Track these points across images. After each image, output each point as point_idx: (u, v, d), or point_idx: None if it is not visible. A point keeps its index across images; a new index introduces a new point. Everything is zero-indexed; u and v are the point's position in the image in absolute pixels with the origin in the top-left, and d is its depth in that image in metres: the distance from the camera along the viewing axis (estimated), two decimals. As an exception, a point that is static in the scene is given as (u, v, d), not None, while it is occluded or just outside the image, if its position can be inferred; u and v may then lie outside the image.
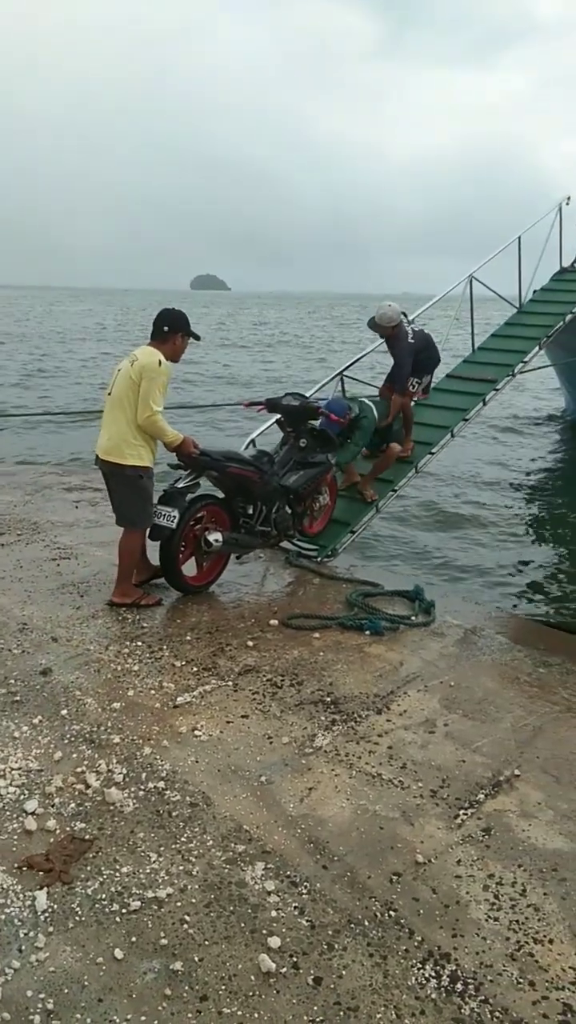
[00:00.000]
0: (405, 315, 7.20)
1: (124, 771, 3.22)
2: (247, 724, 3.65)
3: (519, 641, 5.00)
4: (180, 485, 5.06)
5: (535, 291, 10.89)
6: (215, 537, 5.18)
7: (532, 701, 4.12)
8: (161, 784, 3.15)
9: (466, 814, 3.12)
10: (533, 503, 11.17)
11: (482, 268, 9.58)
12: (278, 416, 6.20)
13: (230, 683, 4.04)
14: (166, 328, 4.85)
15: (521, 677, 4.41)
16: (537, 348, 9.16)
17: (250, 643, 4.53)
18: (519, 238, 10.28)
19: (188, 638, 4.56)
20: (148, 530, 4.97)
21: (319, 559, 6.36)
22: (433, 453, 7.56)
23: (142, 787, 3.13)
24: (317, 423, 6.23)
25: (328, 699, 3.94)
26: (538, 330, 9.50)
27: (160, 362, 4.72)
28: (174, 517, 4.89)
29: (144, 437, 4.77)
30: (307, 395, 6.55)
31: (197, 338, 5.06)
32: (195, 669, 4.17)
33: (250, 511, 5.54)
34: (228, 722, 3.66)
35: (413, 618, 5.16)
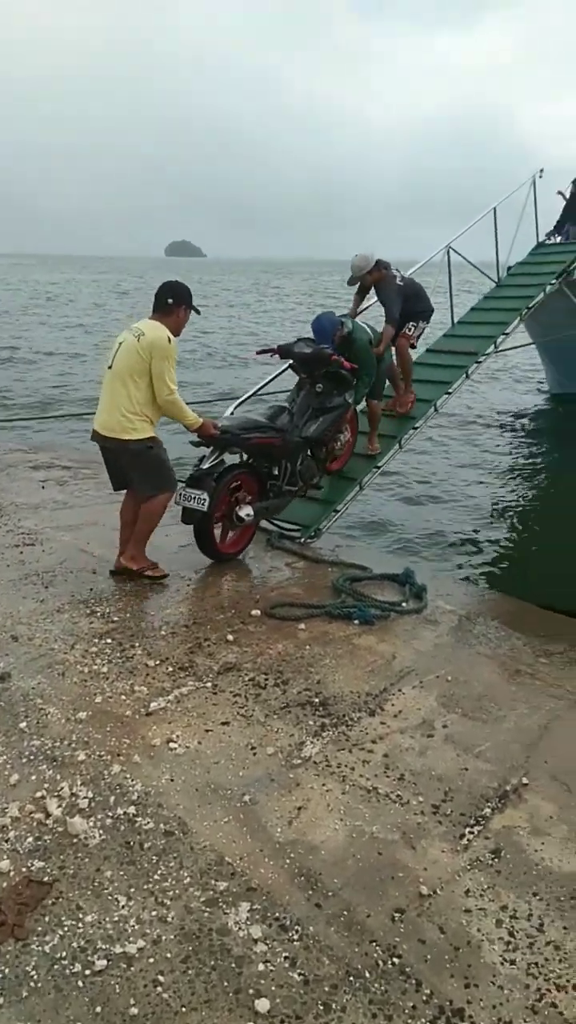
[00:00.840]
0: (391, 267, 6.82)
1: (90, 795, 2.86)
2: (228, 732, 3.31)
3: (517, 628, 4.69)
4: (205, 466, 5.02)
5: (510, 266, 10.68)
6: (246, 512, 5.22)
7: (535, 696, 3.82)
8: (132, 809, 2.80)
9: (472, 833, 2.81)
10: (520, 479, 10.90)
11: (461, 238, 9.26)
12: (290, 362, 6.08)
13: (209, 684, 3.68)
14: (170, 300, 4.74)
15: (522, 669, 4.10)
16: (517, 320, 8.92)
17: (230, 637, 4.17)
18: (494, 209, 10.05)
19: (163, 633, 4.20)
20: (174, 494, 4.90)
21: (302, 540, 6.02)
22: (417, 428, 7.28)
23: (110, 814, 2.78)
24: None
25: (316, 700, 3.60)
26: (518, 301, 9.30)
27: (169, 339, 4.60)
28: (204, 500, 4.90)
29: (147, 411, 4.63)
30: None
31: (197, 311, 4.96)
32: (170, 669, 3.81)
33: (275, 472, 5.56)
34: (207, 731, 3.31)
35: (404, 604, 4.84)
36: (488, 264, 10.14)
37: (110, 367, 4.63)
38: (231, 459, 5.29)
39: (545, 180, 10.95)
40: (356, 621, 4.51)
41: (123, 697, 3.53)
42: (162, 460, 4.79)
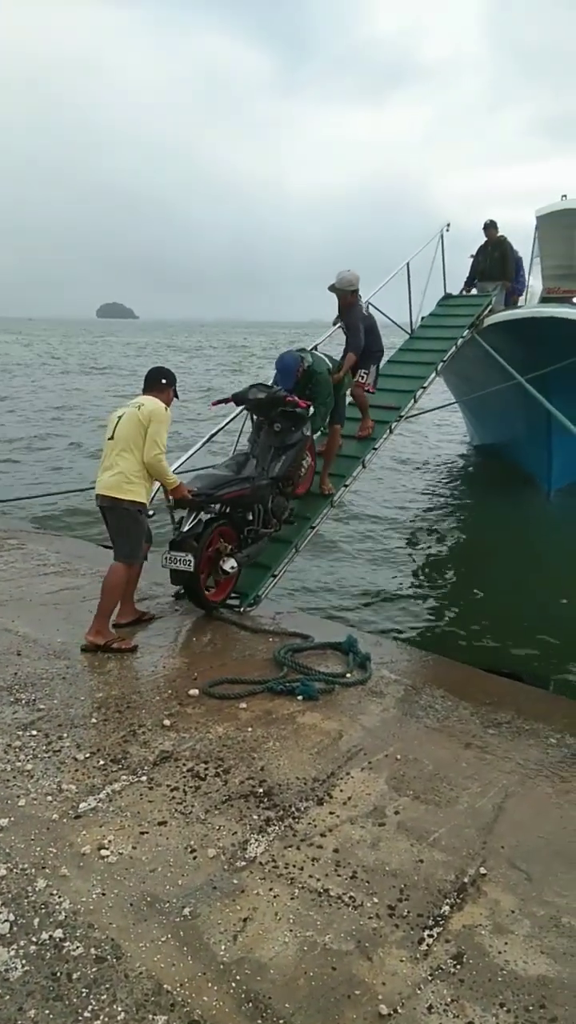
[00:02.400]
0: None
1: (11, 917, 2.56)
2: (165, 834, 3.05)
3: (463, 695, 4.57)
4: (186, 528, 5.34)
5: (423, 317, 10.99)
6: (230, 565, 5.56)
7: (487, 771, 3.68)
8: (59, 933, 2.51)
9: (431, 936, 2.61)
10: (455, 536, 10.97)
11: (377, 295, 9.48)
12: (243, 407, 6.48)
13: (144, 778, 3.42)
14: (163, 380, 5.25)
15: (472, 742, 3.97)
16: (434, 374, 9.10)
17: (167, 722, 3.92)
18: (407, 264, 10.40)
19: (94, 720, 3.92)
20: (140, 566, 5.24)
21: (241, 609, 5.83)
22: (347, 485, 7.29)
23: (34, 939, 2.48)
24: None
25: (260, 790, 3.37)
26: (432, 355, 9.54)
27: (166, 408, 5.09)
28: (190, 561, 5.23)
29: (144, 477, 4.99)
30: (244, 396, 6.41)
31: (177, 396, 5.40)
32: (101, 762, 3.53)
33: (250, 517, 5.88)
34: (142, 833, 3.05)
35: (348, 675, 4.68)
36: (403, 325, 10.42)
37: (111, 438, 4.98)
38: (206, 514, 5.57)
39: (458, 244, 11.39)
40: (300, 697, 4.32)
41: (49, 798, 3.24)
42: (144, 530, 5.11)
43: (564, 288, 15.15)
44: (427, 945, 2.57)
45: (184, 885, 2.77)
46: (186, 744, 3.73)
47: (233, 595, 5.95)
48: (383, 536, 10.32)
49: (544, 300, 14.66)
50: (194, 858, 2.92)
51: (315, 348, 7.40)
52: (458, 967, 2.48)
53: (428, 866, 2.95)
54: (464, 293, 11.69)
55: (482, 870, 2.94)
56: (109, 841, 2.98)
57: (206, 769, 3.51)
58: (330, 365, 6.69)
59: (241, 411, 6.74)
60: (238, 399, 6.31)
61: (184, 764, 3.55)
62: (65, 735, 3.75)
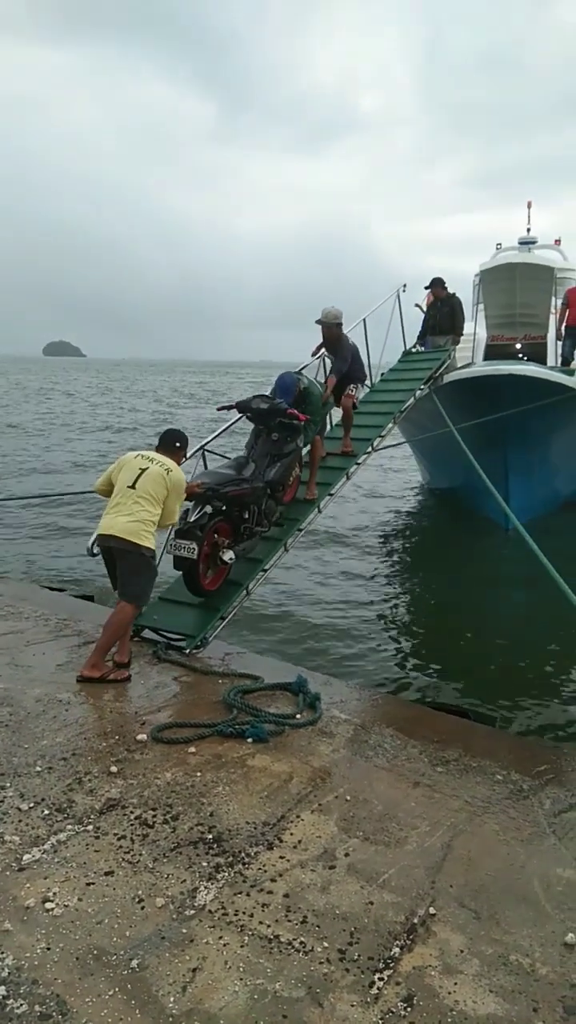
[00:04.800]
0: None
1: (-50, 978, 2.47)
2: (112, 884, 2.99)
3: (411, 734, 4.61)
4: (192, 519, 5.81)
5: (383, 372, 11.39)
6: (229, 556, 6.09)
7: (435, 810, 3.71)
8: (1, 990, 2.43)
9: (382, 979, 2.60)
10: (402, 574, 11.12)
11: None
12: (244, 415, 7.05)
13: (90, 827, 3.35)
14: (178, 444, 5.66)
15: (420, 781, 4.00)
16: (391, 424, 9.35)
17: (114, 768, 3.86)
18: (364, 320, 10.73)
19: (38, 769, 3.83)
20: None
21: (188, 651, 5.79)
22: (301, 530, 7.35)
23: (-25, 1000, 2.40)
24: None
25: (210, 836, 3.34)
26: (391, 406, 9.82)
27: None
28: (193, 549, 5.73)
29: (155, 527, 5.29)
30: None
31: (186, 458, 5.91)
32: (45, 812, 3.45)
33: (246, 516, 6.33)
34: (88, 884, 2.98)
35: (298, 716, 4.69)
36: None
37: (132, 486, 5.22)
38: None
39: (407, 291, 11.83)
40: (249, 739, 4.30)
41: (-8, 850, 3.15)
42: (154, 575, 5.41)
43: (507, 335, 15.80)
44: (378, 988, 2.56)
45: (131, 936, 2.72)
46: (134, 791, 3.67)
47: (178, 637, 5.92)
48: (334, 576, 10.40)
49: (489, 347, 15.28)
50: (142, 908, 2.86)
51: (301, 371, 8.12)
52: (408, 1010, 2.48)
53: (378, 908, 2.96)
54: (417, 347, 12.11)
55: (431, 910, 2.96)
56: (54, 893, 2.90)
57: (154, 816, 3.46)
58: (320, 390, 7.53)
59: (238, 419, 7.41)
60: (241, 407, 6.91)
61: (132, 812, 3.49)
62: (8, 784, 3.65)
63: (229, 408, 7.06)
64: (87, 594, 7.69)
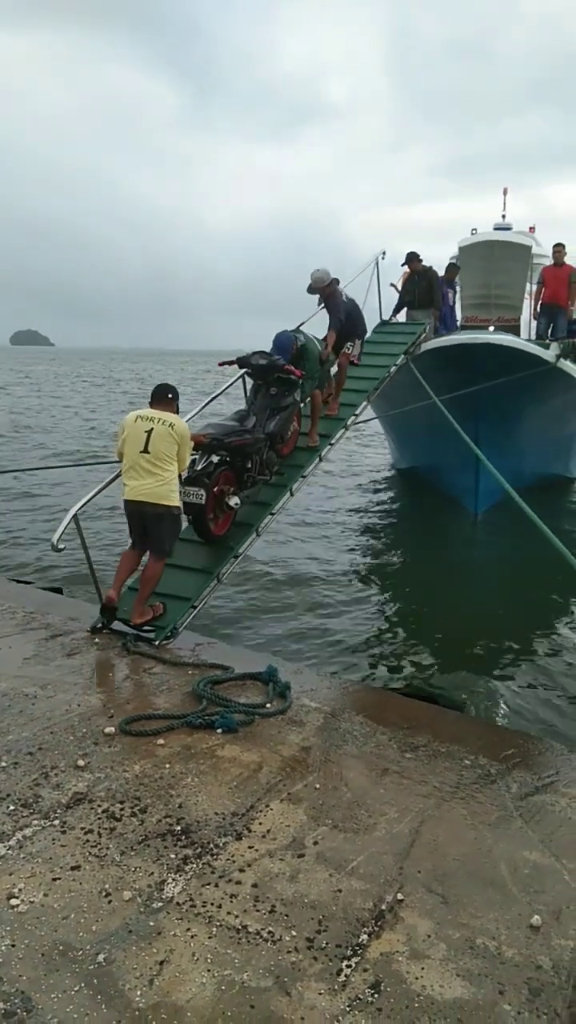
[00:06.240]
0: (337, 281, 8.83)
1: None
2: (79, 879, 2.96)
3: (381, 720, 4.62)
4: (199, 468, 6.15)
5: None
6: (235, 501, 6.48)
7: (404, 796, 3.73)
8: (-36, 991, 2.40)
9: (350, 966, 2.61)
10: (371, 561, 11.15)
11: (309, 322, 9.62)
12: (245, 371, 7.53)
13: (56, 822, 3.32)
14: (170, 395, 5.88)
15: (389, 767, 4.01)
16: (365, 403, 9.28)
17: (80, 762, 3.82)
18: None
19: (3, 764, 3.77)
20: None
21: (158, 642, 5.74)
22: (273, 514, 7.30)
23: None
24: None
25: (178, 828, 3.32)
26: (365, 383, 9.62)
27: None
28: (201, 495, 6.09)
29: (177, 481, 5.74)
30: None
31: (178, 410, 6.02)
32: (10, 808, 3.41)
33: (248, 465, 6.68)
34: (54, 879, 2.95)
35: (268, 706, 4.67)
36: None
37: (145, 451, 5.52)
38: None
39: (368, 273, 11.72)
40: (219, 730, 4.29)
41: (-45, 848, 3.10)
42: (181, 526, 5.93)
43: (480, 317, 15.84)
44: (345, 976, 2.57)
45: (98, 931, 2.70)
46: (101, 784, 3.64)
47: (148, 628, 5.88)
48: (304, 564, 10.40)
49: (463, 328, 15.29)
50: (109, 902, 2.84)
51: (300, 327, 8.58)
52: (376, 996, 2.49)
53: (346, 895, 2.96)
54: (395, 319, 12.02)
55: (399, 896, 2.97)
56: (19, 890, 2.87)
57: (122, 809, 3.44)
58: (318, 346, 7.89)
59: (242, 374, 7.82)
60: (241, 362, 7.37)
61: (99, 805, 3.46)
62: (-27, 780, 3.60)
63: (230, 364, 7.55)
64: (55, 587, 7.60)
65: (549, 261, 13.35)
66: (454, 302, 13.40)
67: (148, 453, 5.54)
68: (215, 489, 6.29)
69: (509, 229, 16.58)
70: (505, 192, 17.56)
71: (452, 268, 13.37)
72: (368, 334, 9.64)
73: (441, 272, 12.71)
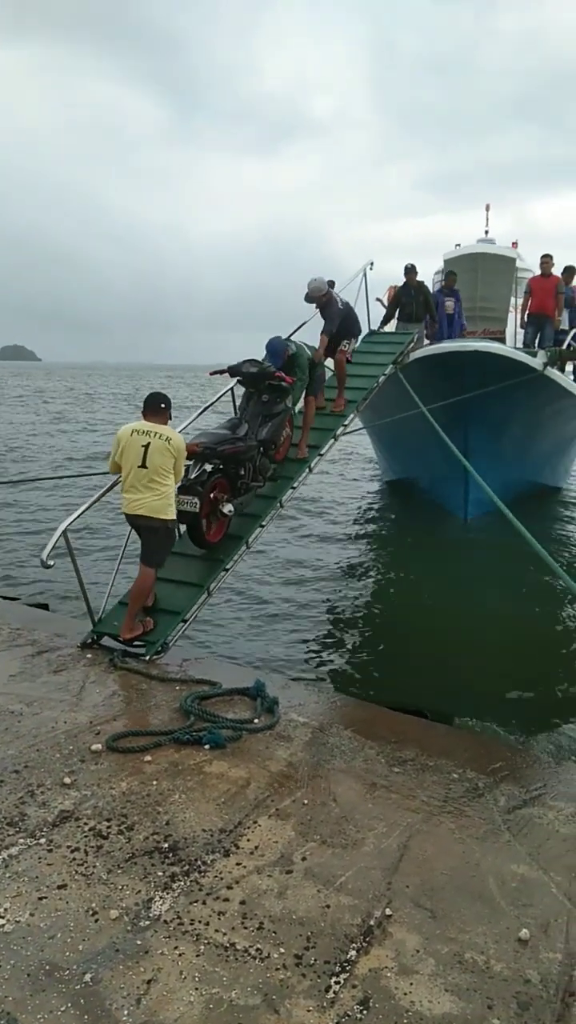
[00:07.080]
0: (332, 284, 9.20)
1: None
2: (65, 898, 2.94)
3: (369, 735, 4.62)
4: (192, 476, 6.20)
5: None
6: (228, 508, 6.55)
7: (392, 811, 3.72)
8: (-52, 1013, 2.38)
9: (339, 982, 2.61)
10: (359, 573, 11.15)
11: (298, 333, 9.66)
12: (238, 378, 7.52)
13: (42, 840, 3.29)
14: (163, 405, 5.87)
15: (377, 782, 4.01)
16: (354, 414, 9.30)
17: (67, 780, 3.80)
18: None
19: (-11, 782, 3.75)
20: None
21: (147, 657, 5.72)
22: (263, 526, 7.30)
23: None
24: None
25: (166, 845, 3.31)
26: (354, 393, 9.64)
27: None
28: (195, 503, 6.14)
29: (174, 495, 5.81)
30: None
31: (171, 417, 6.08)
32: (-3, 826, 3.39)
33: (242, 472, 6.76)
34: (41, 898, 2.93)
35: (256, 721, 4.66)
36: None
37: (143, 466, 5.56)
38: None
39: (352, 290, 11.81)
40: (207, 746, 4.28)
41: None
42: (175, 539, 6.08)
43: (467, 330, 15.96)
44: (334, 992, 2.56)
45: (85, 950, 2.68)
46: (88, 802, 3.62)
47: (138, 643, 5.86)
48: (292, 576, 10.40)
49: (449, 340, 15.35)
50: (96, 921, 2.82)
51: (291, 336, 8.72)
52: (364, 1012, 2.49)
53: (335, 911, 2.96)
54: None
55: (387, 911, 2.97)
56: (5, 909, 2.85)
57: (109, 827, 3.42)
58: (308, 353, 7.98)
59: (234, 383, 7.89)
60: (232, 371, 7.38)
61: (86, 823, 3.44)
62: (-42, 799, 3.58)
63: (221, 373, 7.58)
64: (41, 603, 7.57)
65: (532, 274, 13.50)
66: (455, 310, 13.48)
67: (146, 468, 5.57)
68: (210, 495, 6.37)
69: (492, 244, 16.78)
70: (488, 208, 17.81)
71: (451, 276, 13.46)
72: (357, 343, 9.87)
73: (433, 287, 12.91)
